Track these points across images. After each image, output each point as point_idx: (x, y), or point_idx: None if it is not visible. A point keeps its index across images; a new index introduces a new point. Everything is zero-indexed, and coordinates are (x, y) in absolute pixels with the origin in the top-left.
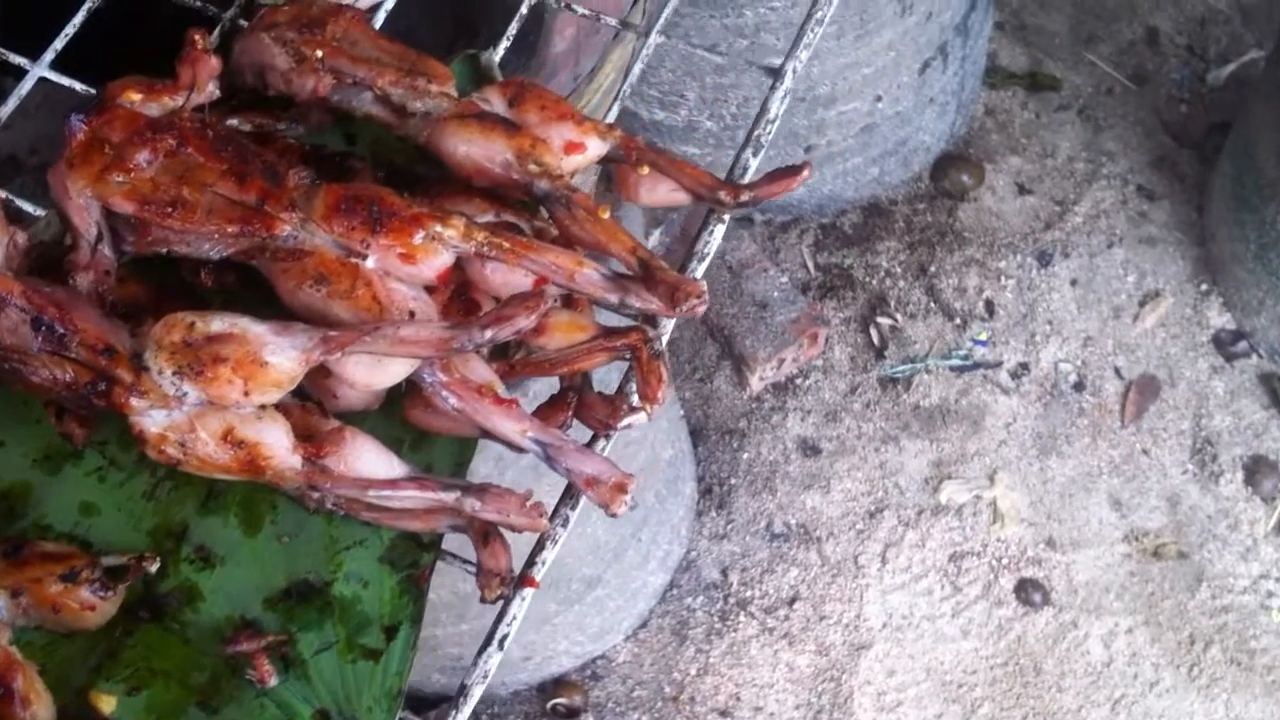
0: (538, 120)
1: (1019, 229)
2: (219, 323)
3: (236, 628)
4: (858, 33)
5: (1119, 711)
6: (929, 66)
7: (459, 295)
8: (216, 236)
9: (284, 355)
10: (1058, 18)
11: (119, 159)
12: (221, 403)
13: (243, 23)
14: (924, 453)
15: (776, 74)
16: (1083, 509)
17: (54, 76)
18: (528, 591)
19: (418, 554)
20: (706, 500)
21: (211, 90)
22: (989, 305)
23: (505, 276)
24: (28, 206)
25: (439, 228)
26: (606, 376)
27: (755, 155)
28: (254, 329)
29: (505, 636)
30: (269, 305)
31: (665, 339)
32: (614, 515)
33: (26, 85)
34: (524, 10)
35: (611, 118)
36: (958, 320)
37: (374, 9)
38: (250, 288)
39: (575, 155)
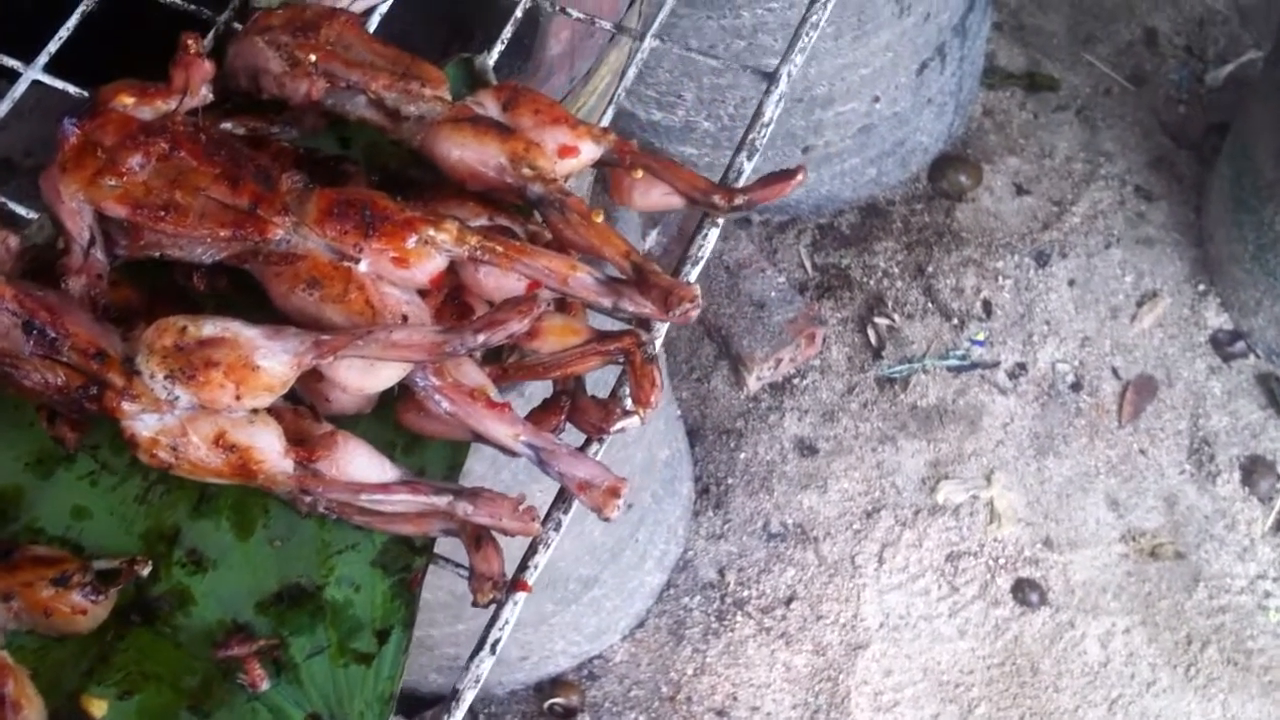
0: (532, 124)
1: (1017, 229)
2: (211, 327)
3: (228, 632)
4: (855, 33)
5: (1116, 711)
6: (927, 67)
7: (452, 299)
8: (209, 240)
9: (276, 359)
10: (1056, 18)
11: (112, 163)
12: (213, 407)
13: (237, 26)
14: (921, 453)
15: (771, 78)
16: (1080, 509)
17: (48, 79)
18: (520, 596)
19: (410, 558)
20: (703, 500)
21: (205, 94)
22: (986, 305)
23: (498, 280)
24: (21, 210)
25: (432, 232)
26: (603, 378)
27: (750, 159)
28: (246, 333)
29: (498, 641)
30: (261, 309)
31: (659, 343)
32: (607, 520)
33: (20, 88)
34: (519, 14)
35: (606, 121)
36: (955, 320)
37: (368, 12)
38: (243, 291)
39: (569, 159)
